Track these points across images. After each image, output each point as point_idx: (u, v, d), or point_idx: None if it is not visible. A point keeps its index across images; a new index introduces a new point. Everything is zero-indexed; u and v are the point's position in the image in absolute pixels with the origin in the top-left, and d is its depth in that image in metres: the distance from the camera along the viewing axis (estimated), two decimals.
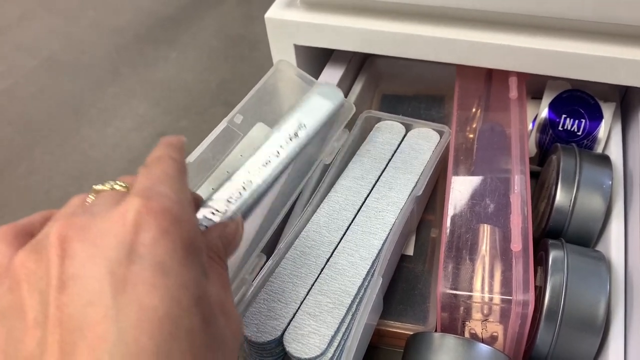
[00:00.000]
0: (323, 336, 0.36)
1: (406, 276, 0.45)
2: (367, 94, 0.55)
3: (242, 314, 0.37)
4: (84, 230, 0.21)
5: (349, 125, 0.46)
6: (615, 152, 0.47)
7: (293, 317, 0.37)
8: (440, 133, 0.47)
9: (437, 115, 0.51)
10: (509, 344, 0.38)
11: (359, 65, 0.55)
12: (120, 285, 0.19)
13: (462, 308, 0.39)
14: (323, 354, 0.35)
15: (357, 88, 0.52)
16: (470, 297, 0.38)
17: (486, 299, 0.37)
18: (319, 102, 0.39)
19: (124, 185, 0.25)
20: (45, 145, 0.95)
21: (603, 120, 0.48)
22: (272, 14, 0.47)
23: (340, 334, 0.36)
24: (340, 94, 0.40)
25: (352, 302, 0.38)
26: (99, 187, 0.25)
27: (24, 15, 1.17)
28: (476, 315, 0.39)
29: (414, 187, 0.44)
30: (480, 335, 0.39)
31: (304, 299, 0.38)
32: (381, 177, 0.45)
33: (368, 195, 0.44)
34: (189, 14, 1.17)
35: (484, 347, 0.36)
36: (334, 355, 0.36)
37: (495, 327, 0.39)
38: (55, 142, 0.95)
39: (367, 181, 0.44)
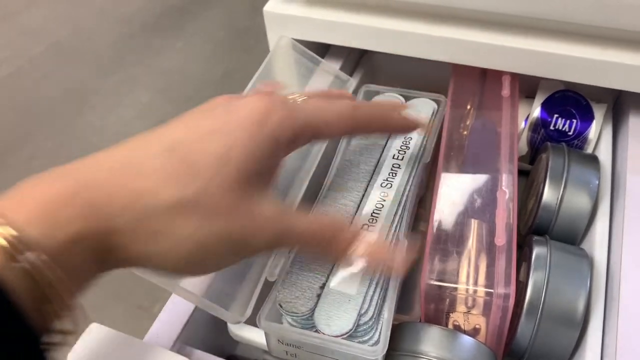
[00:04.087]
0: (351, 311, 0.36)
1: None
2: None
3: (280, 283, 0.38)
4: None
5: None
6: (604, 153, 0.47)
7: (322, 290, 0.37)
8: (438, 102, 0.48)
9: None
10: (491, 337, 0.39)
11: (356, 61, 0.56)
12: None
13: (447, 300, 0.40)
14: (352, 328, 0.36)
15: (353, 83, 0.53)
16: (455, 289, 0.39)
17: (470, 292, 0.38)
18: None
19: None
20: (49, 131, 0.97)
21: (594, 121, 0.49)
22: (271, 7, 0.48)
23: (368, 303, 0.37)
24: (432, 104, 0.48)
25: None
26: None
27: (31, 1, 1.19)
28: (460, 307, 0.40)
29: (421, 155, 0.45)
30: (462, 327, 0.40)
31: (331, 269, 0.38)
32: (385, 148, 0.46)
33: (375, 169, 0.44)
34: (196, 4, 1.18)
35: (467, 339, 0.37)
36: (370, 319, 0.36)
37: (477, 320, 0.40)
38: (58, 128, 0.97)
39: (373, 154, 0.45)
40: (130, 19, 1.24)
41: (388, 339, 0.35)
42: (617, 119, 0.51)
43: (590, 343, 0.37)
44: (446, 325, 0.41)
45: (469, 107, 0.50)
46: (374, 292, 0.37)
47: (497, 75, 0.48)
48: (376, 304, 0.37)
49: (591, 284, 0.39)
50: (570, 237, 0.44)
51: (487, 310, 0.39)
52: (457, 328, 0.40)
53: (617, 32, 0.43)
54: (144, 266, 0.26)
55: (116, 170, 0.24)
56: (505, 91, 0.47)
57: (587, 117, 0.49)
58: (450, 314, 0.40)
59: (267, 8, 0.48)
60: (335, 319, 0.36)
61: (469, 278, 0.39)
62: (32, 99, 1.09)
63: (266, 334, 0.37)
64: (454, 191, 0.43)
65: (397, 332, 0.39)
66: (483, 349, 0.37)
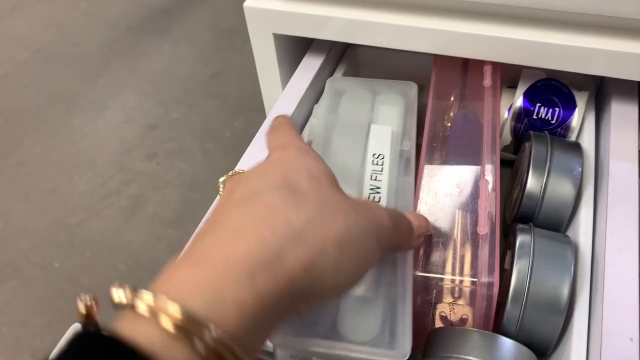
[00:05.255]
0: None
1: None
2: None
3: None
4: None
5: None
6: (587, 140, 0.47)
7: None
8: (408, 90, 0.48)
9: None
10: (477, 326, 0.39)
11: (340, 54, 0.56)
12: None
13: (433, 291, 0.40)
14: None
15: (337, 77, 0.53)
16: (441, 279, 0.39)
17: (456, 282, 0.38)
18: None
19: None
20: (36, 136, 0.96)
21: (576, 109, 0.49)
22: (251, 2, 0.48)
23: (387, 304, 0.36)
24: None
25: None
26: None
27: (16, 7, 1.18)
28: (447, 298, 0.40)
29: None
30: (449, 317, 0.40)
31: None
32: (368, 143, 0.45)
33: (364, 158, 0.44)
34: (181, 6, 1.18)
35: (508, 341, 0.36)
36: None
37: (464, 310, 0.40)
38: (46, 133, 0.96)
39: (357, 148, 0.45)
40: (116, 23, 1.23)
41: (411, 340, 0.34)
42: (599, 106, 0.51)
43: (577, 328, 0.37)
44: (433, 317, 0.41)
45: (452, 98, 0.50)
46: (390, 292, 0.36)
47: (479, 65, 0.49)
48: (393, 305, 0.36)
49: (575, 270, 0.39)
50: (555, 224, 0.44)
51: (472, 299, 0.39)
52: (444, 319, 0.40)
53: (597, 18, 0.43)
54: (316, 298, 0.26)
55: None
56: (487, 81, 0.47)
57: (570, 105, 0.49)
58: (437, 305, 0.40)
59: (247, 4, 0.48)
60: (361, 325, 0.35)
61: (455, 268, 0.39)
62: (19, 105, 1.08)
63: (276, 349, 0.36)
64: (437, 182, 0.43)
65: (435, 338, 0.38)
66: (524, 351, 0.36)
